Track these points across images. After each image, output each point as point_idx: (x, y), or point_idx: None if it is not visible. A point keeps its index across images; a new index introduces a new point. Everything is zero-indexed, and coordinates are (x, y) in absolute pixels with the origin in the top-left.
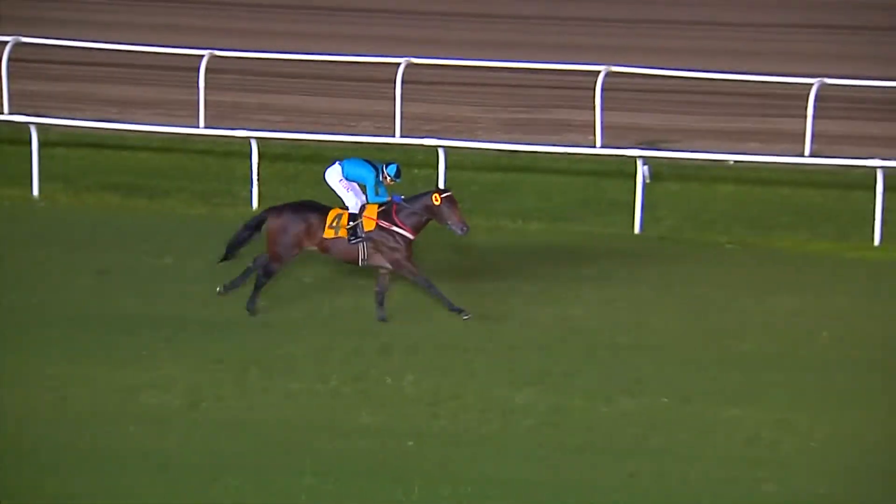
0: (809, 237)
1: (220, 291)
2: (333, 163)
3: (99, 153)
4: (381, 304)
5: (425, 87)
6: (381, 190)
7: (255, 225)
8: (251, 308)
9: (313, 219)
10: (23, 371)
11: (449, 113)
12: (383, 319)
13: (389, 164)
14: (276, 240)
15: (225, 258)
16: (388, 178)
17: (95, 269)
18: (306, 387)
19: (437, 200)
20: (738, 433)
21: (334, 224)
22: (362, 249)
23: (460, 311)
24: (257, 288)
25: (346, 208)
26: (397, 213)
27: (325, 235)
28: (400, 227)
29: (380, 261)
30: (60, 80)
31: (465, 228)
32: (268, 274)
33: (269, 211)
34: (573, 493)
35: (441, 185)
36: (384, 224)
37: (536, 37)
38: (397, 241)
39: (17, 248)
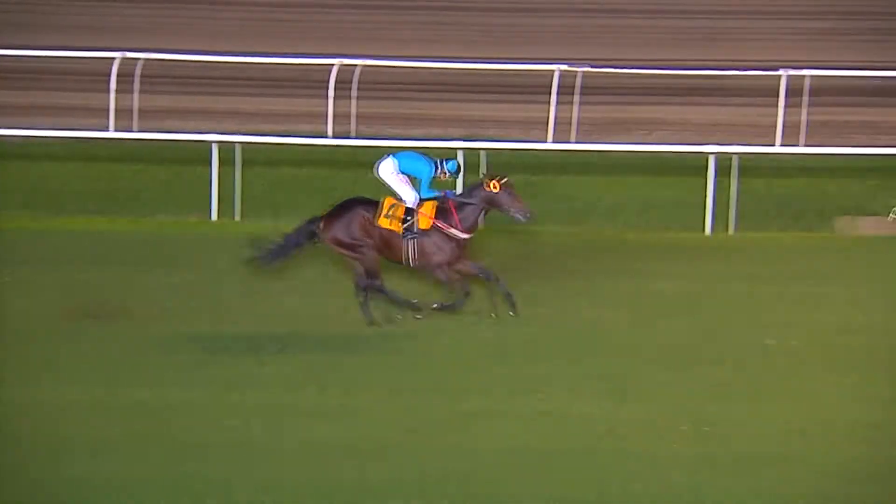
0: None
1: (369, 318)
2: (385, 156)
3: None
4: (503, 293)
5: None
6: (431, 185)
7: (306, 235)
8: (417, 307)
9: (367, 213)
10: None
11: None
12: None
13: (448, 159)
14: (348, 247)
15: (259, 260)
16: (448, 174)
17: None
18: None
19: (495, 188)
20: None
21: (389, 213)
22: (411, 248)
23: (513, 306)
24: (393, 299)
25: (401, 201)
26: (457, 210)
27: (378, 223)
28: (458, 229)
29: (429, 261)
30: None
31: (528, 214)
32: (374, 285)
33: (319, 222)
34: None
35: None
36: (441, 225)
37: None
38: (447, 244)
39: None
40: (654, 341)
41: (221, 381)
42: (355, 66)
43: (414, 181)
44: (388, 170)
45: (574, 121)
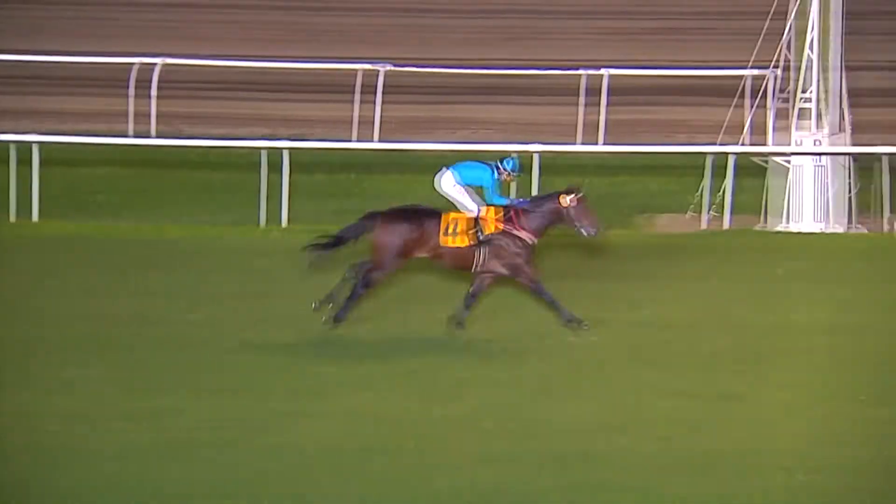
0: None
1: (316, 307)
2: (442, 169)
3: None
4: (468, 307)
5: None
6: (498, 190)
7: (359, 230)
8: (341, 317)
9: (427, 225)
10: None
11: None
12: (461, 325)
13: (504, 158)
14: (385, 247)
15: (314, 258)
16: (510, 174)
17: None
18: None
19: (567, 202)
20: None
21: (450, 231)
22: (480, 255)
23: (579, 322)
24: (352, 298)
25: (462, 212)
26: (521, 216)
27: (442, 244)
28: (523, 231)
29: (495, 267)
30: None
31: (596, 230)
32: (368, 284)
33: (377, 216)
34: None
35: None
36: (507, 227)
37: None
38: (519, 246)
39: None
40: (460, 339)
41: (36, 385)
42: (155, 64)
43: (474, 190)
44: (448, 183)
45: (376, 120)
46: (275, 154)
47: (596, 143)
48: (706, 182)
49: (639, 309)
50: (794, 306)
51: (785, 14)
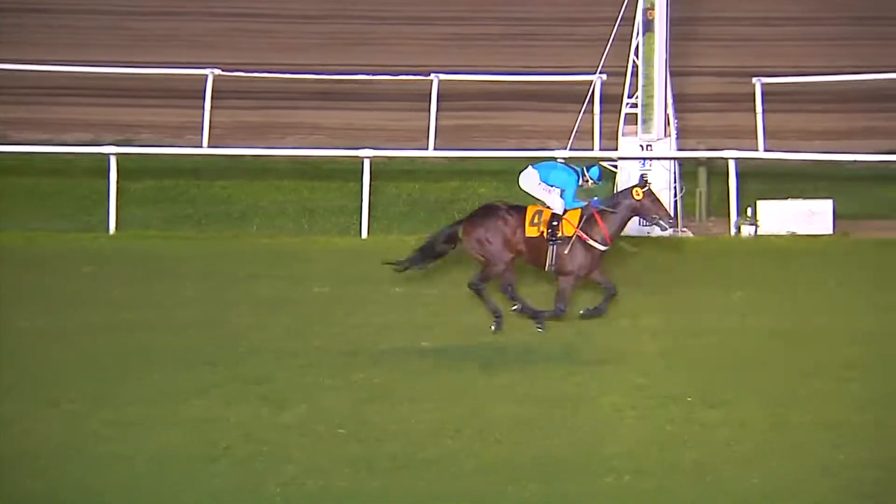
0: None
1: (495, 329)
2: (528, 168)
3: None
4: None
5: None
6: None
7: (449, 238)
8: (523, 310)
9: (512, 217)
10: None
11: None
12: (541, 326)
13: (590, 166)
14: (484, 247)
15: (407, 266)
16: (591, 182)
17: None
18: None
19: (638, 195)
20: None
21: (535, 221)
22: (553, 254)
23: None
24: (482, 297)
25: (548, 207)
26: (602, 219)
27: (527, 234)
28: (600, 238)
29: (563, 269)
30: None
31: (671, 222)
32: (485, 279)
33: (459, 224)
34: None
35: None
36: (582, 235)
37: None
38: (585, 255)
39: None
40: (312, 344)
41: None
42: None
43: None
44: (533, 181)
45: (205, 125)
46: (102, 160)
47: (426, 149)
48: None
49: (473, 313)
50: (622, 310)
51: (613, 20)
